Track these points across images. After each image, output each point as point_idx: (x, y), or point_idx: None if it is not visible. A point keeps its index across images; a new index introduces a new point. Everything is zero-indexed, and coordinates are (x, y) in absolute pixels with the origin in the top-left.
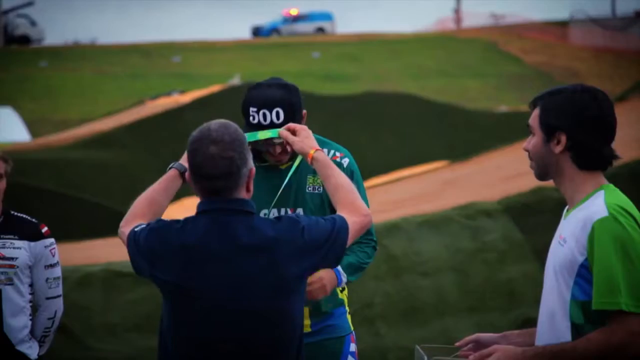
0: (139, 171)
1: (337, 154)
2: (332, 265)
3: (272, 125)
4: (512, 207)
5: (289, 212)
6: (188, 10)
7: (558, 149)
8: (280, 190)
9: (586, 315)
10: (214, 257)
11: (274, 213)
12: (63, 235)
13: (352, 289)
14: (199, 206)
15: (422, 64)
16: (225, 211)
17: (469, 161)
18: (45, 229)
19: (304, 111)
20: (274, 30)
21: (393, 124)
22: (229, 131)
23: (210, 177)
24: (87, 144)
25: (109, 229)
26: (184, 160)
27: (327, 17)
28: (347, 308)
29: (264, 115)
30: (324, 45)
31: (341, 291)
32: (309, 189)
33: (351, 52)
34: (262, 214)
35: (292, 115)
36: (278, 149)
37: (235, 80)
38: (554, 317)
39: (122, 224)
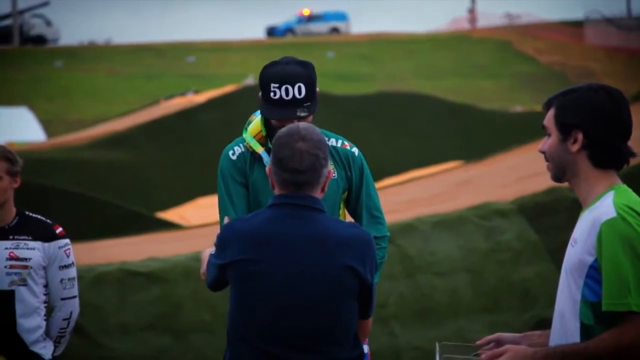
0: (153, 171)
1: (346, 142)
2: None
3: (294, 100)
4: (527, 207)
5: None
6: (202, 10)
7: (575, 147)
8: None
9: (596, 316)
10: (276, 240)
11: None
12: (77, 234)
13: None
14: (274, 199)
15: (436, 64)
16: (297, 206)
17: (483, 161)
18: (59, 230)
19: (317, 89)
20: (288, 30)
21: (407, 124)
22: (316, 132)
23: (295, 171)
24: (102, 144)
25: (124, 228)
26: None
27: (342, 17)
28: None
29: (286, 91)
30: (338, 45)
31: None
32: None
33: (365, 52)
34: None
35: (312, 91)
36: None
37: (250, 81)
38: (564, 318)
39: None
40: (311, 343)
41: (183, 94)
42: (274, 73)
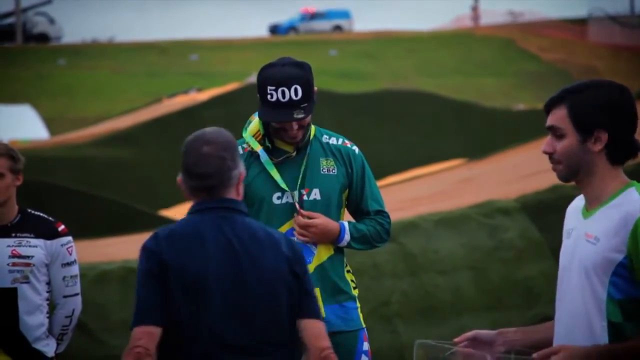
0: (156, 169)
1: (346, 141)
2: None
3: (291, 102)
4: (530, 205)
5: (304, 192)
6: (206, 8)
7: (597, 147)
8: (301, 175)
9: (624, 313)
10: (213, 243)
11: (287, 196)
12: (80, 232)
13: (369, 287)
14: (193, 207)
15: (439, 62)
16: (218, 209)
17: (486, 159)
18: (62, 227)
19: (315, 88)
20: (291, 28)
21: (410, 122)
22: (222, 134)
23: (202, 176)
24: (105, 142)
25: (126, 226)
26: None
27: (345, 14)
28: (358, 304)
29: (283, 93)
30: (341, 43)
31: (354, 288)
32: (323, 170)
33: (368, 50)
34: (275, 197)
35: (309, 93)
36: (295, 126)
37: (253, 78)
38: (586, 317)
39: None
40: (261, 344)
41: (186, 92)
42: (270, 75)
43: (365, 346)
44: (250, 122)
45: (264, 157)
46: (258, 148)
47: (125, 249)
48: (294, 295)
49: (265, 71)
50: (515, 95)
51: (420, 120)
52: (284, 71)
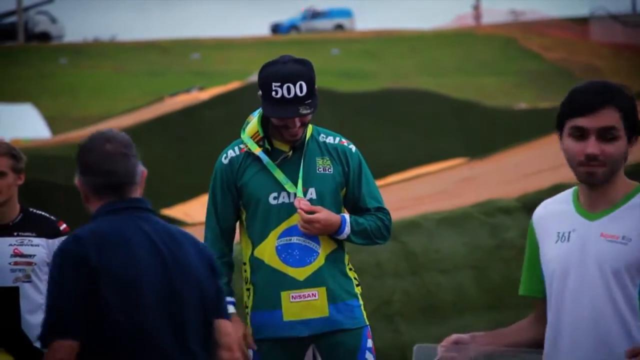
0: (157, 168)
1: (343, 140)
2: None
3: (296, 98)
4: (531, 204)
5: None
6: (207, 7)
7: (632, 148)
8: (301, 174)
9: None
10: (137, 243)
11: (284, 196)
12: None
13: (370, 286)
14: (103, 208)
15: (440, 61)
16: (132, 209)
17: (488, 158)
18: (63, 226)
19: (316, 86)
20: (292, 27)
21: (411, 121)
22: (119, 133)
23: (109, 173)
24: None
25: None
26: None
27: (347, 13)
28: (361, 302)
29: (288, 89)
30: (343, 42)
31: (356, 285)
32: (319, 169)
33: (370, 49)
34: (271, 197)
35: (313, 89)
36: (298, 123)
37: (254, 77)
38: (617, 319)
39: None
40: (191, 345)
41: (187, 90)
42: (274, 72)
43: (369, 343)
44: (248, 123)
45: (264, 159)
46: (257, 150)
47: None
48: (213, 294)
49: (268, 68)
50: (517, 95)
51: (422, 119)
52: (288, 68)
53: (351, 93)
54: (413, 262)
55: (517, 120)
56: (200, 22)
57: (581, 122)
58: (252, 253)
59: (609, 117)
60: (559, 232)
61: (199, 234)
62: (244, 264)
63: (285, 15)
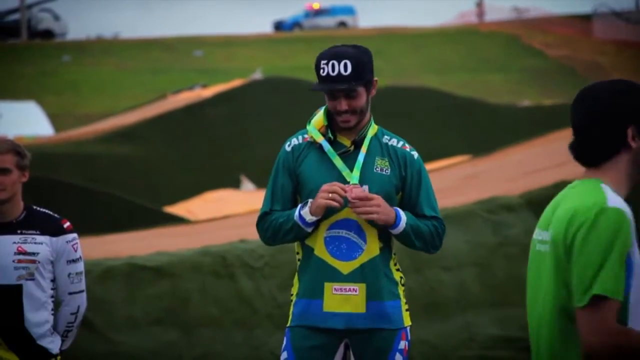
0: (161, 165)
1: (407, 145)
2: None
3: (340, 76)
4: (534, 201)
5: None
6: (210, 4)
7: None
8: (359, 166)
9: None
10: None
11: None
12: (85, 229)
13: None
14: None
15: (444, 58)
16: None
17: (491, 156)
18: (67, 224)
19: (376, 79)
20: (296, 24)
21: (415, 119)
22: None
23: None
24: (110, 138)
25: (131, 222)
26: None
27: (349, 11)
28: (402, 302)
29: (332, 66)
30: (346, 39)
31: (402, 285)
32: (377, 169)
33: (373, 46)
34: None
35: (361, 71)
36: (344, 105)
37: (257, 75)
38: None
39: None
40: None
41: (190, 88)
42: (326, 52)
43: (402, 345)
44: (315, 115)
45: (326, 146)
46: (320, 139)
47: (130, 245)
48: None
49: (323, 51)
50: (520, 92)
51: (425, 116)
52: (338, 48)
53: None
54: (416, 259)
55: (520, 118)
56: (203, 19)
57: None
58: (304, 241)
59: None
60: None
61: (200, 232)
62: (297, 253)
63: (288, 12)
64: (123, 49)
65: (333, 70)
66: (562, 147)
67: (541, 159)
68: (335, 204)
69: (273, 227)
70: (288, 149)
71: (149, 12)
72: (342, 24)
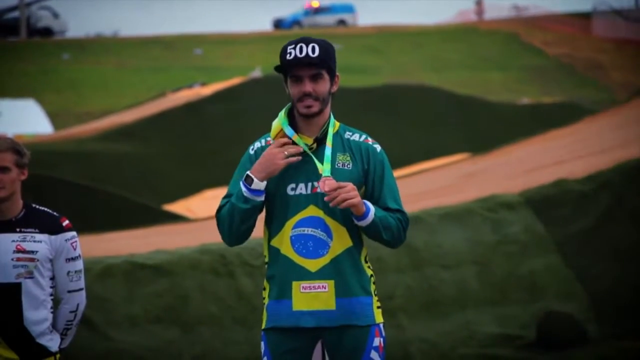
0: (160, 163)
1: (369, 138)
2: None
3: (307, 57)
4: (534, 199)
5: (317, 184)
6: (210, 3)
7: None
8: (330, 161)
9: None
10: None
11: (301, 187)
12: (84, 226)
13: None
14: None
15: (443, 56)
16: None
17: (491, 154)
18: (66, 222)
19: (337, 74)
20: (295, 22)
21: (414, 117)
22: None
23: None
24: (109, 136)
25: (131, 221)
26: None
27: (349, 9)
28: (374, 299)
29: (300, 49)
30: (346, 37)
31: (373, 282)
32: (338, 164)
33: (372, 44)
34: (289, 188)
35: (328, 58)
36: (309, 87)
37: (257, 73)
38: None
39: None
40: None
41: (190, 86)
42: (292, 40)
43: (377, 342)
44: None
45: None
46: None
47: (129, 243)
48: None
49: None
50: (520, 90)
51: (425, 114)
52: (305, 36)
53: (354, 88)
54: (415, 258)
55: (519, 116)
56: (203, 17)
57: None
58: (269, 242)
59: None
60: None
61: (200, 230)
62: (265, 256)
63: (288, 10)
64: (123, 47)
65: (301, 52)
66: (561, 145)
67: (541, 157)
68: (294, 159)
69: (228, 214)
70: (252, 152)
71: (148, 10)
72: (342, 22)
